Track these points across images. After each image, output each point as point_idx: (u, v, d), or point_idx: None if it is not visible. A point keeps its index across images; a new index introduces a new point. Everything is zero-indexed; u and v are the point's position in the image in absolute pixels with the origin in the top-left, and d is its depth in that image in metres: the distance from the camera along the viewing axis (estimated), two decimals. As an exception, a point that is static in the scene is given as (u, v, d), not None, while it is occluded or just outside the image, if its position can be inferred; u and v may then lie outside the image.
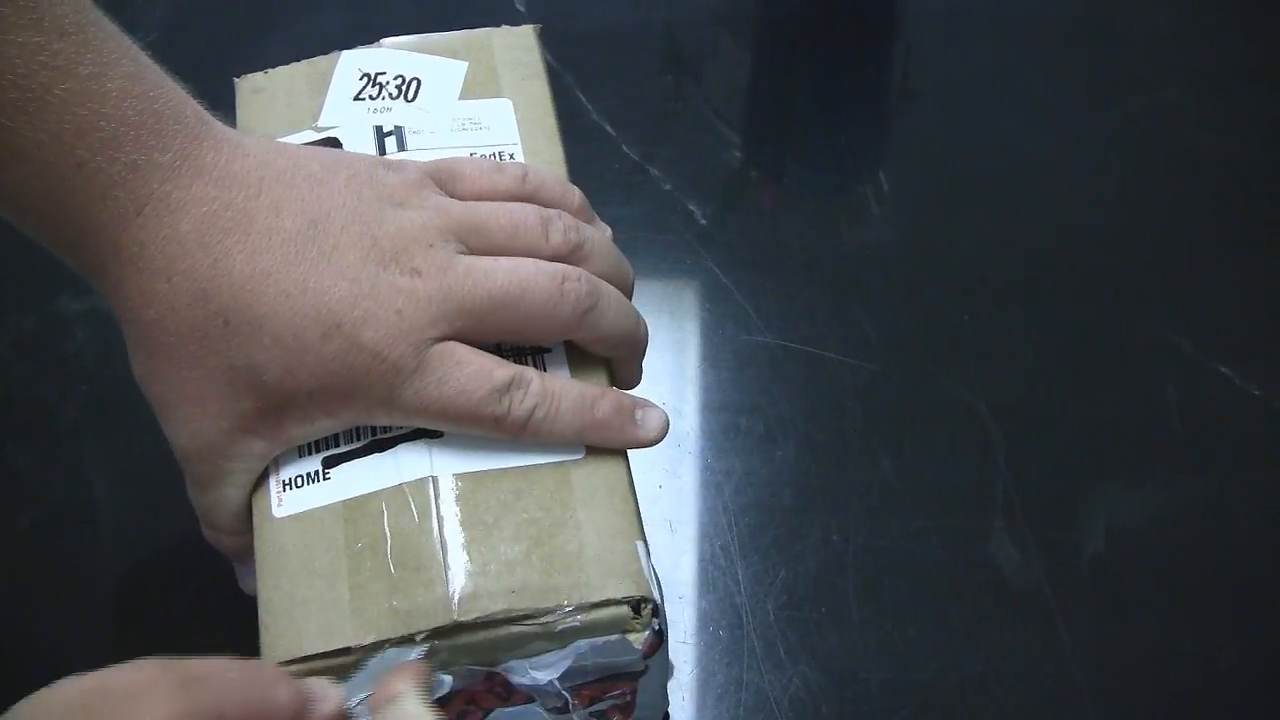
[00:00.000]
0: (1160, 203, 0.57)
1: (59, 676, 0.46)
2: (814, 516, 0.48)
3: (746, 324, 0.53)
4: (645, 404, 0.36)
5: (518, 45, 0.43)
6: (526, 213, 0.36)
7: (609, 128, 0.59)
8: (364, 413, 0.34)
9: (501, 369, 0.34)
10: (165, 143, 0.33)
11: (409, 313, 0.33)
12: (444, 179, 0.37)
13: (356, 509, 0.34)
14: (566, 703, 0.34)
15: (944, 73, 0.62)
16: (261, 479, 0.35)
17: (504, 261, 0.35)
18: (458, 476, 0.34)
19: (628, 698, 0.35)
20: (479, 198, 0.37)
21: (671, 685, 0.44)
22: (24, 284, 0.53)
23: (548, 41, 0.63)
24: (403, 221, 0.34)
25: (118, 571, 0.47)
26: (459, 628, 0.31)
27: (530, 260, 0.35)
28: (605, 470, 0.35)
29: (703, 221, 0.56)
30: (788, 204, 0.59)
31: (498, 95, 0.41)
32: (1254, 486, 0.49)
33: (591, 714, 0.35)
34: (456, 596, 0.31)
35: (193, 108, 0.34)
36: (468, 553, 0.32)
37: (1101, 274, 0.55)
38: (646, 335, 0.39)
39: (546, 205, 0.37)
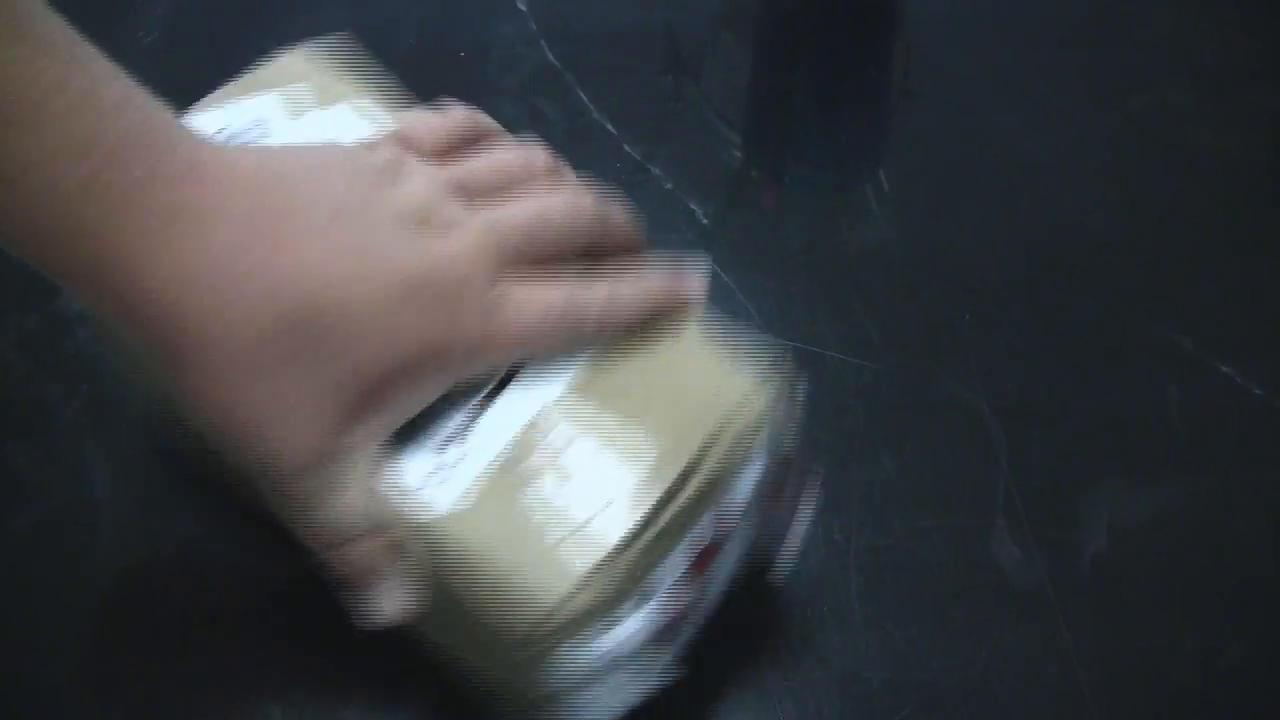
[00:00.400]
0: (1161, 202, 0.57)
1: (59, 676, 0.47)
2: (815, 515, 0.48)
3: (748, 323, 0.53)
4: (678, 265, 0.39)
5: (324, 63, 0.42)
6: (505, 157, 0.38)
7: (610, 127, 0.59)
8: (462, 363, 0.34)
9: (560, 284, 0.36)
10: (172, 152, 0.32)
11: (464, 261, 0.34)
12: (407, 145, 0.37)
13: (509, 468, 0.35)
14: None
15: (945, 72, 0.62)
16: (394, 498, 0.35)
17: (512, 202, 0.36)
18: (570, 391, 0.36)
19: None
20: (443, 150, 0.38)
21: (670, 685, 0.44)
22: (24, 284, 0.53)
23: (549, 41, 0.63)
24: (408, 194, 0.35)
25: (118, 571, 0.47)
26: (685, 475, 0.35)
27: (530, 192, 0.37)
28: (668, 337, 0.38)
29: (704, 221, 0.56)
30: (789, 203, 0.59)
31: (331, 105, 0.41)
32: (1255, 486, 0.49)
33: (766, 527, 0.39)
34: (660, 456, 0.35)
35: (178, 121, 0.33)
36: (633, 428, 0.36)
37: (1102, 273, 0.55)
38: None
39: (491, 132, 0.39)
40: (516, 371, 0.37)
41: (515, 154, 0.38)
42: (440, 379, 0.35)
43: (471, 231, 0.35)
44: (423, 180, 0.36)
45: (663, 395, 0.37)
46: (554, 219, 0.37)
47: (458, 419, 0.36)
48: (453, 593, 0.36)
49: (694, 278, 0.39)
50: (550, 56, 0.63)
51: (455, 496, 0.35)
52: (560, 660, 0.35)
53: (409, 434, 0.35)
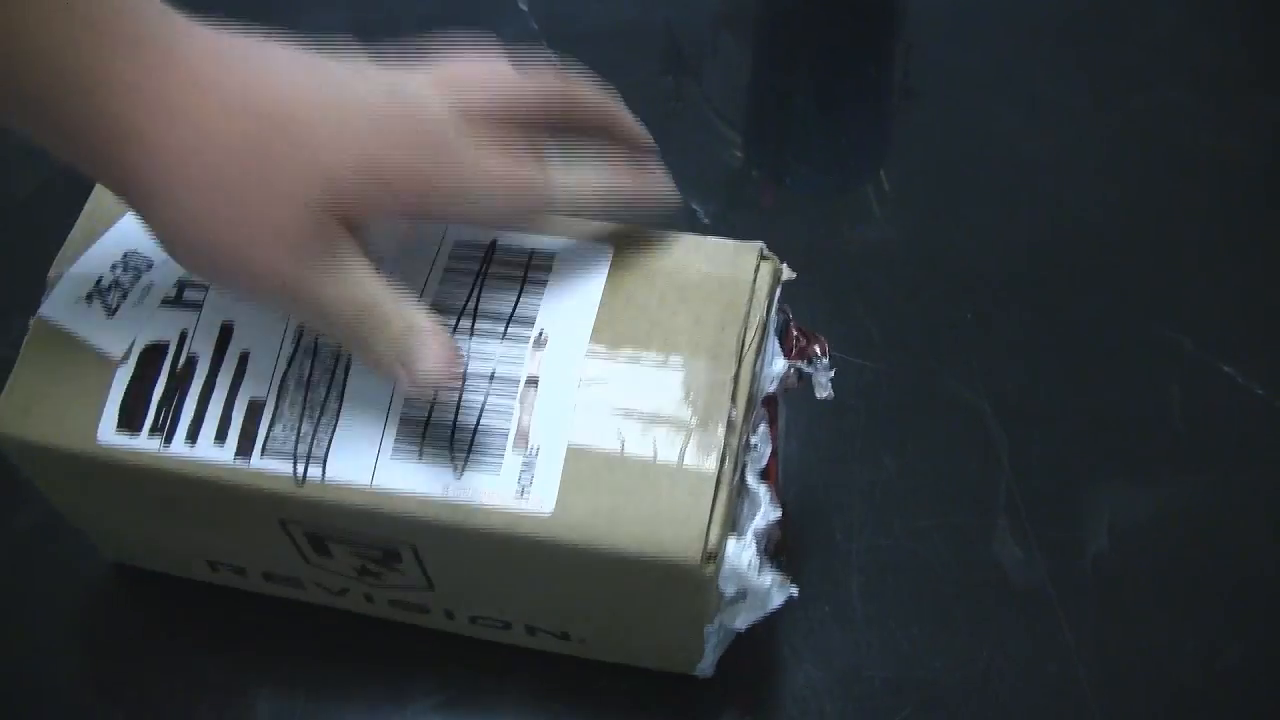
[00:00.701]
0: (1162, 201, 0.57)
1: (59, 676, 0.46)
2: (817, 515, 0.48)
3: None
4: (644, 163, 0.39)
5: None
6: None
7: (610, 127, 0.59)
8: (430, 192, 0.34)
9: (527, 152, 0.36)
10: (159, 8, 0.33)
11: (434, 105, 0.35)
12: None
13: (582, 446, 0.36)
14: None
15: (945, 72, 0.62)
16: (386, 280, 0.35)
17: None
18: (593, 340, 0.37)
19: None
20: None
21: (672, 681, 0.44)
22: (24, 284, 0.53)
23: (549, 41, 0.63)
24: (389, 68, 0.36)
25: (118, 571, 0.47)
26: (739, 358, 0.37)
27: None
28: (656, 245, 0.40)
29: (705, 221, 0.56)
30: (789, 203, 0.59)
31: None
32: (1256, 485, 0.49)
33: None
34: (711, 352, 0.37)
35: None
36: (674, 342, 0.37)
37: (1103, 273, 0.55)
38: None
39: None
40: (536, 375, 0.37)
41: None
42: (410, 203, 0.34)
43: (441, 84, 0.35)
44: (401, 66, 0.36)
45: (683, 296, 0.38)
46: (523, 86, 0.37)
47: (509, 422, 0.36)
48: (597, 586, 0.37)
49: (659, 176, 0.39)
50: (551, 56, 0.63)
51: (552, 495, 0.35)
52: (716, 594, 0.37)
53: (478, 466, 0.36)
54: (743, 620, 0.38)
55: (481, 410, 0.36)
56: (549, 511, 0.35)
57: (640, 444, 0.36)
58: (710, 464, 0.35)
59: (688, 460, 0.35)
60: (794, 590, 0.37)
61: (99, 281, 0.39)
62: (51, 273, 0.39)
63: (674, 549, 0.35)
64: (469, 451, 0.36)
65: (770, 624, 0.45)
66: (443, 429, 0.36)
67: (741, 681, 0.44)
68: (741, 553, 0.36)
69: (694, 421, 0.36)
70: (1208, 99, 0.61)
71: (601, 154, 0.38)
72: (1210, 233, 0.56)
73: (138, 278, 0.39)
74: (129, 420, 0.37)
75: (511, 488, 0.35)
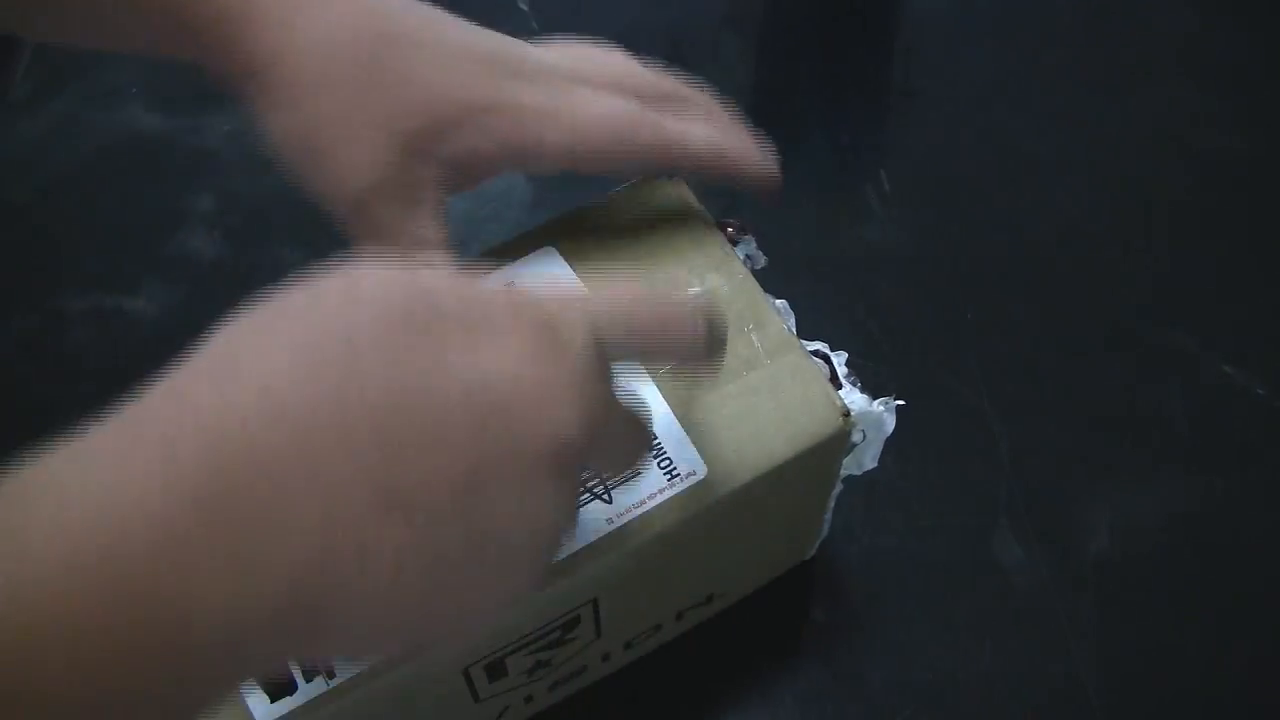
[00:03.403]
0: (1162, 201, 0.57)
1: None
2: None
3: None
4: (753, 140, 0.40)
5: None
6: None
7: (610, 127, 0.59)
8: (519, 129, 0.35)
9: (632, 100, 0.37)
10: None
11: (539, 52, 0.37)
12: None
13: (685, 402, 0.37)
14: None
15: (945, 72, 0.62)
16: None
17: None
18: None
19: None
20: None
21: (674, 682, 0.43)
22: (25, 283, 0.53)
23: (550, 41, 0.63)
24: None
25: None
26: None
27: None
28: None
29: (704, 221, 0.56)
30: (789, 203, 0.58)
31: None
32: (1258, 486, 0.49)
33: None
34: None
35: None
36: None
37: (1104, 272, 0.55)
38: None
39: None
40: None
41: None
42: (500, 138, 0.35)
43: (555, 49, 0.37)
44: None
45: (652, 248, 0.39)
46: (634, 63, 0.39)
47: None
48: (753, 514, 0.38)
49: (769, 158, 0.40)
50: (551, 56, 0.63)
51: (696, 459, 0.36)
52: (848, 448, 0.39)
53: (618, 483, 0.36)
54: (871, 456, 0.40)
55: None
56: (703, 474, 0.35)
57: (730, 371, 0.37)
58: (791, 342, 0.37)
59: (771, 353, 0.37)
60: (900, 402, 0.38)
61: None
62: None
63: (822, 428, 0.36)
64: (602, 479, 0.35)
65: (770, 624, 0.45)
66: None
67: (741, 682, 0.44)
68: (853, 396, 0.37)
69: (751, 324, 0.38)
70: (1209, 98, 0.61)
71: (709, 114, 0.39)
72: (1212, 232, 0.56)
73: None
74: (277, 685, 0.33)
75: (659, 479, 0.35)
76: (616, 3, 0.65)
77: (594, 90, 0.36)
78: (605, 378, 0.27)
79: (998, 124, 0.60)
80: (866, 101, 0.63)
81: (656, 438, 0.35)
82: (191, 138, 0.58)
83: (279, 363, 0.23)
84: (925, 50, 0.63)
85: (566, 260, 0.38)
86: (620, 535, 0.34)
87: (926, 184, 0.58)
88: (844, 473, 0.40)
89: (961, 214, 0.57)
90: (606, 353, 0.27)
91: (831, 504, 0.42)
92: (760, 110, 0.63)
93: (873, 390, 0.38)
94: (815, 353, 0.38)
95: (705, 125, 0.38)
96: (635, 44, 0.64)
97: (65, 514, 0.22)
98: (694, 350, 0.30)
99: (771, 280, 0.55)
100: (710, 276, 0.39)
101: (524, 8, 0.64)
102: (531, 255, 0.39)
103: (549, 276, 0.38)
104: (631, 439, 0.30)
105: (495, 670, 0.36)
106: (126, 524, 0.21)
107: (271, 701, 0.32)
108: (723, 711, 0.44)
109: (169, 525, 0.22)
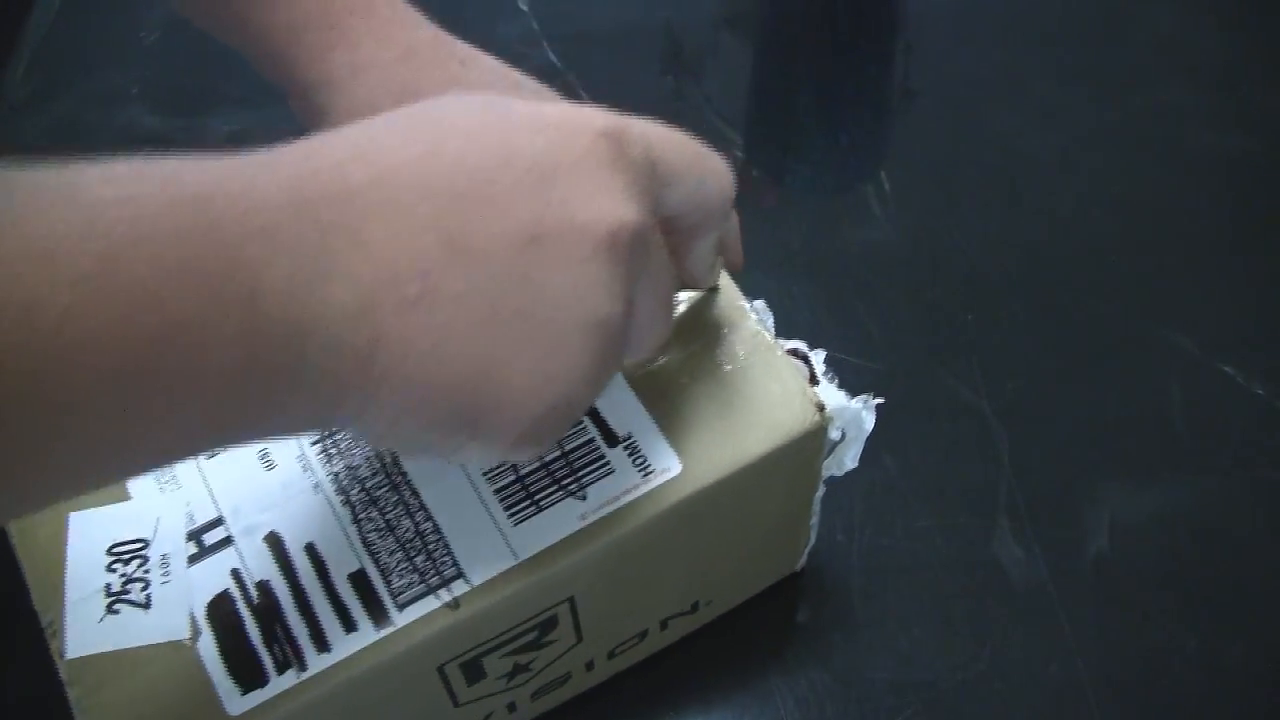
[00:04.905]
0: (1162, 201, 0.57)
1: (60, 676, 0.46)
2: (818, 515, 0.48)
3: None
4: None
5: None
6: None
7: (610, 127, 0.59)
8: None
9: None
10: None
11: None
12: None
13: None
14: None
15: (945, 72, 0.62)
16: None
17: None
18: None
19: None
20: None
21: (674, 683, 0.43)
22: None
23: (550, 41, 0.63)
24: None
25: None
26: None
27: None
28: None
29: (704, 221, 0.56)
30: (789, 203, 0.59)
31: None
32: (1257, 485, 0.49)
33: None
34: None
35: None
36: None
37: (1103, 273, 0.55)
38: None
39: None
40: None
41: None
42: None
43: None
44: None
45: None
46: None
47: (589, 433, 0.36)
48: (731, 514, 0.38)
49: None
50: (552, 56, 0.63)
51: (670, 455, 0.36)
52: (827, 447, 0.39)
53: (593, 479, 0.36)
54: (851, 456, 0.40)
55: (559, 442, 0.36)
56: (678, 471, 0.35)
57: (704, 370, 0.37)
58: (767, 341, 0.38)
59: (748, 352, 0.38)
60: (880, 400, 0.39)
61: (108, 589, 0.34)
62: (43, 618, 0.34)
63: (797, 424, 0.36)
64: (576, 474, 0.35)
65: (770, 624, 0.45)
66: (538, 475, 0.35)
67: (742, 682, 0.44)
68: (830, 392, 0.38)
69: (726, 326, 0.38)
70: (1208, 98, 0.61)
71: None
72: (1210, 233, 0.56)
73: (144, 561, 0.35)
74: (249, 676, 0.33)
75: (634, 475, 0.35)
76: (616, 3, 0.65)
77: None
78: (654, 194, 0.30)
79: (998, 123, 0.60)
80: (866, 101, 0.63)
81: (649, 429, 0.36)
82: (192, 138, 0.58)
83: (375, 127, 0.28)
84: (925, 50, 0.63)
85: None
86: (593, 531, 0.35)
87: (926, 184, 0.58)
88: (825, 474, 0.40)
89: (961, 214, 0.57)
90: (656, 173, 0.30)
91: (816, 509, 0.42)
92: (760, 110, 0.63)
93: (872, 389, 0.39)
94: (794, 351, 0.38)
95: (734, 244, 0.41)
96: (635, 44, 0.64)
97: (168, 170, 0.26)
98: (725, 193, 0.33)
99: (771, 280, 0.55)
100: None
101: (523, 8, 0.64)
102: None
103: None
104: (661, 313, 0.32)
105: (472, 670, 0.36)
106: (224, 184, 0.25)
107: (243, 694, 0.33)
108: (722, 713, 0.44)
109: (263, 201, 0.25)
